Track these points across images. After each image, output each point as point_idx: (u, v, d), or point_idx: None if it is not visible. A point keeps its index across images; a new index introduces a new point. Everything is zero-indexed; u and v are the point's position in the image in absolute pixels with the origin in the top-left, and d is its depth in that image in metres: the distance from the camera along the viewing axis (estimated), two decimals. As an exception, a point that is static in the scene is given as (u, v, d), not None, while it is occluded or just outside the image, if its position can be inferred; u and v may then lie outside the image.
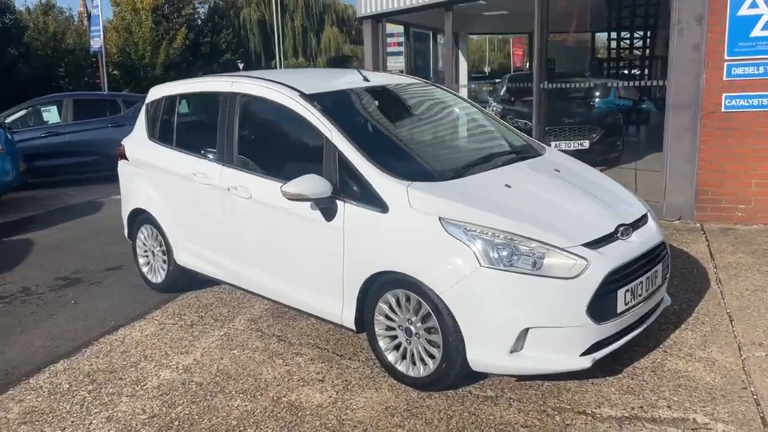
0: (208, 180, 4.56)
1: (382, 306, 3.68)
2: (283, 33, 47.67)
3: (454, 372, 3.44)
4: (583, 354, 3.32)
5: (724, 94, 6.46)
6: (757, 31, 6.25)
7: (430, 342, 3.51)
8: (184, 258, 5.02)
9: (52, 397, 3.78)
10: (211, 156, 4.62)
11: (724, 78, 6.44)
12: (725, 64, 6.41)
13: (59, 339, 4.62)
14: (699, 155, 6.65)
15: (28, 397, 3.80)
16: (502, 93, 13.05)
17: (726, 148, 6.54)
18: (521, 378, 3.65)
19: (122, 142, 5.62)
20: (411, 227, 3.49)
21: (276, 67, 45.73)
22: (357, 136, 3.91)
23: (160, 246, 5.26)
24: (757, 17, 6.22)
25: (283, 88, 4.23)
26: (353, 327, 3.88)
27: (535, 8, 7.99)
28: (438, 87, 5.03)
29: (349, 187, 3.75)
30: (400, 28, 22.89)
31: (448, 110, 4.74)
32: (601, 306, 3.29)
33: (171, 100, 5.15)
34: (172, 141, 5.07)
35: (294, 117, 4.11)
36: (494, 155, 4.22)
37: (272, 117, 4.34)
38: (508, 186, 3.74)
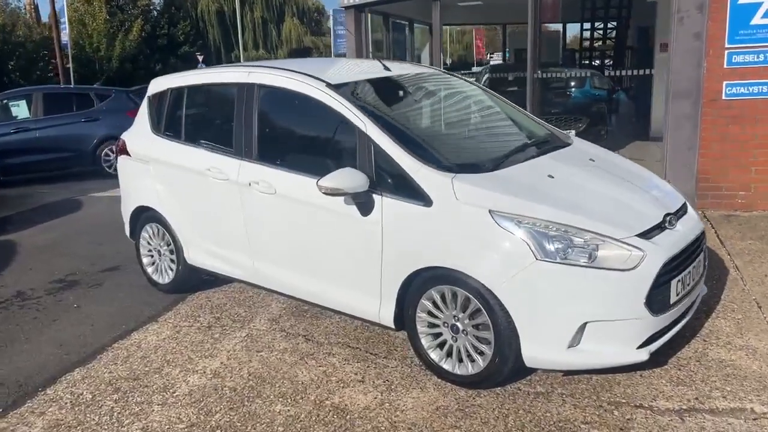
0: (224, 175, 4.36)
1: (425, 303, 3.56)
2: (243, 24, 46.86)
3: (506, 369, 3.35)
4: (640, 347, 3.26)
5: (724, 82, 6.50)
6: (757, 19, 6.29)
7: (478, 339, 3.40)
8: (196, 257, 4.81)
9: (77, 409, 3.55)
10: (227, 150, 4.41)
11: (725, 66, 6.48)
12: (726, 52, 6.44)
13: (69, 345, 4.38)
14: (700, 143, 6.69)
15: (50, 410, 3.57)
16: (483, 83, 13.01)
17: (727, 136, 6.59)
18: (568, 373, 3.57)
19: (122, 137, 5.34)
20: (458, 221, 3.37)
21: (237, 60, 45.04)
22: (391, 127, 3.77)
23: (168, 245, 5.03)
24: (758, 5, 6.26)
25: (308, 78, 4.05)
26: (391, 325, 3.75)
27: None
28: (455, 76, 4.90)
29: (387, 180, 3.61)
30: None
31: (472, 100, 4.62)
32: (656, 297, 3.23)
33: (178, 92, 4.91)
34: (180, 135, 4.83)
35: (322, 108, 3.94)
36: (526, 145, 4.13)
37: (297, 109, 4.15)
38: (551, 176, 3.65)
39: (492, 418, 3.23)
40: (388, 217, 3.59)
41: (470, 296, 3.34)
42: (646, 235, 3.30)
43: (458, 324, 3.46)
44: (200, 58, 36.34)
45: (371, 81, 4.25)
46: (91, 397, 3.67)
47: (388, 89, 4.29)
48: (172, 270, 5.07)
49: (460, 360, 3.51)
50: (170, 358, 4.09)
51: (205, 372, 3.88)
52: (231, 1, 47.00)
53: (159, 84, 5.11)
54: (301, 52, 49.30)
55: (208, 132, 4.74)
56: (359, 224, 3.69)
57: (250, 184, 4.20)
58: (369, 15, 11.07)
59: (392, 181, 3.59)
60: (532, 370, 3.58)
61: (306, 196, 3.92)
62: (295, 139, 4.32)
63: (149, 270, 5.28)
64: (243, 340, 4.28)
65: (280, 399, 3.53)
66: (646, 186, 3.86)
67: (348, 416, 3.33)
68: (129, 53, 33.09)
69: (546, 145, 4.17)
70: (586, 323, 3.15)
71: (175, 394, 3.65)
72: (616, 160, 4.26)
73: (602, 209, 3.41)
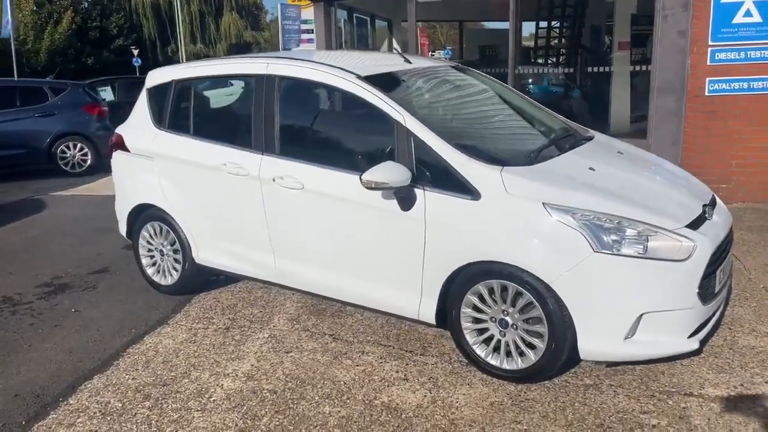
0: (243, 170, 4.19)
1: (470, 298, 3.51)
2: (180, 18, 45.63)
3: (559, 362, 3.34)
4: (690, 336, 3.30)
5: (707, 78, 6.72)
6: (739, 18, 6.52)
7: (529, 332, 3.38)
8: (207, 256, 4.62)
9: (109, 418, 3.34)
10: (245, 144, 4.24)
11: (708, 63, 6.70)
12: (709, 49, 6.66)
13: (79, 352, 4.12)
14: (684, 138, 6.89)
15: (79, 421, 3.34)
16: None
17: (709, 130, 6.81)
18: (610, 364, 3.59)
19: (117, 131, 5.06)
20: (510, 214, 3.33)
21: (177, 55, 43.87)
22: (430, 119, 3.70)
23: (172, 244, 4.81)
24: (740, 4, 6.49)
25: (336, 69, 3.93)
26: (432, 322, 3.68)
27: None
28: (470, 70, 4.87)
29: (429, 173, 3.53)
30: (311, 15, 22.52)
31: (493, 93, 4.59)
32: (705, 287, 3.29)
33: (184, 85, 4.68)
34: (188, 129, 4.62)
35: (353, 101, 3.84)
36: (556, 139, 4.13)
37: (325, 101, 4.02)
38: (592, 169, 3.66)
39: (550, 412, 3.22)
40: (431, 211, 3.52)
41: (522, 290, 3.31)
42: (693, 225, 3.35)
43: (507, 318, 3.43)
44: (135, 52, 35.22)
45: (398, 73, 4.16)
46: (120, 405, 3.46)
47: (414, 82, 4.21)
48: (176, 270, 4.85)
49: (508, 355, 3.48)
50: (195, 361, 3.91)
51: (237, 375, 3.72)
52: (166, -7, 45.78)
53: (160, 75, 4.87)
54: (241, 47, 48.51)
55: (221, 125, 4.55)
56: (399, 219, 3.61)
57: (274, 180, 4.05)
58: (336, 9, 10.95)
59: (435, 175, 3.52)
60: (576, 363, 3.59)
61: (338, 191, 3.81)
62: (324, 132, 4.19)
63: (149, 271, 5.04)
64: (267, 341, 4.13)
65: (327, 400, 3.42)
66: (677, 177, 3.93)
67: (403, 415, 3.24)
68: (58, 46, 31.73)
69: (572, 139, 4.19)
70: (642, 314, 3.17)
71: (212, 399, 3.48)
72: (640, 152, 4.33)
73: (648, 200, 3.44)
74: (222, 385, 3.62)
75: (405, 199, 3.57)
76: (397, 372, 3.68)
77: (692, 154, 6.86)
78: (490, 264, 3.40)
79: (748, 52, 6.55)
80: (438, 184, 3.51)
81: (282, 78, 4.13)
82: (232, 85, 5.24)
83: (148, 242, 4.98)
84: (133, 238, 5.07)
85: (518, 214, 3.32)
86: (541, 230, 3.26)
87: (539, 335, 3.34)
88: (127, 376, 3.77)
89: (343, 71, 3.91)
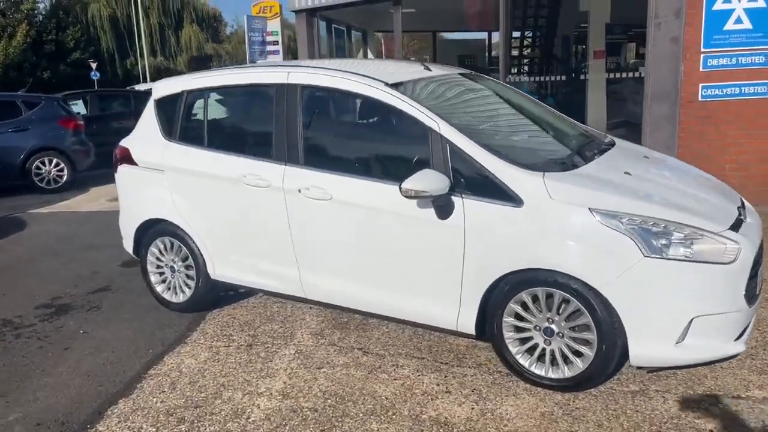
0: (265, 182, 4.07)
1: (513, 307, 3.45)
2: (138, 31, 44.87)
3: (609, 369, 3.30)
4: (736, 339, 3.30)
5: (700, 84, 6.84)
6: (730, 25, 6.66)
7: (576, 340, 3.34)
8: (223, 272, 4.47)
9: (146, 445, 3.18)
10: (266, 155, 4.12)
11: (701, 69, 6.81)
12: (701, 55, 6.78)
13: (97, 375, 3.93)
14: (678, 143, 6.99)
15: (113, 448, 3.17)
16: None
17: (703, 135, 6.92)
18: (652, 370, 3.57)
19: (123, 144, 4.88)
20: (556, 220, 3.29)
21: (136, 68, 43.15)
22: (465, 127, 3.64)
23: (184, 260, 4.65)
24: (730, 11, 6.63)
25: (363, 78, 3.85)
26: (472, 332, 3.61)
27: (500, 5, 8.05)
28: (483, 77, 4.84)
29: (467, 181, 3.47)
30: (277, 27, 22.42)
31: (514, 101, 4.57)
32: (750, 288, 3.29)
33: (196, 95, 4.53)
34: (202, 140, 4.47)
35: (382, 109, 3.77)
36: (583, 145, 4.11)
37: (352, 110, 3.94)
38: (628, 173, 3.65)
39: (604, 420, 3.17)
40: (470, 219, 3.45)
41: (569, 297, 3.27)
42: (735, 228, 3.35)
43: (553, 327, 3.38)
44: (93, 65, 34.51)
45: (423, 80, 4.09)
46: (155, 430, 3.30)
47: (440, 89, 4.15)
48: (189, 287, 4.68)
49: (553, 363, 3.43)
50: (223, 381, 3.76)
51: (271, 393, 3.59)
52: (125, 5, 45.03)
53: (168, 86, 4.72)
54: (203, 59, 48.02)
55: (238, 136, 4.42)
56: (437, 228, 3.53)
57: (299, 191, 3.94)
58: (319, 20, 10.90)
59: (473, 182, 3.46)
60: (618, 370, 3.55)
61: (370, 201, 3.72)
62: (351, 141, 4.09)
63: (158, 288, 4.85)
64: (295, 357, 4.00)
65: (372, 416, 3.31)
66: (706, 180, 3.96)
67: (455, 430, 3.16)
68: (13, 60, 30.93)
69: (597, 145, 4.18)
70: (693, 318, 3.15)
71: (250, 420, 3.34)
72: (665, 157, 4.35)
73: (689, 204, 3.43)
74: (258, 404, 3.48)
75: (443, 207, 3.50)
76: (437, 385, 3.59)
77: (686, 158, 6.90)
78: (535, 272, 3.34)
79: (740, 58, 6.69)
80: (477, 191, 3.45)
81: (305, 87, 4.03)
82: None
83: (158, 258, 4.80)
84: (141, 255, 4.88)
85: (564, 220, 3.28)
86: (588, 236, 3.22)
87: (587, 342, 3.30)
88: (154, 399, 3.60)
89: (370, 79, 3.83)
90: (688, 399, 3.32)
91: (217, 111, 4.60)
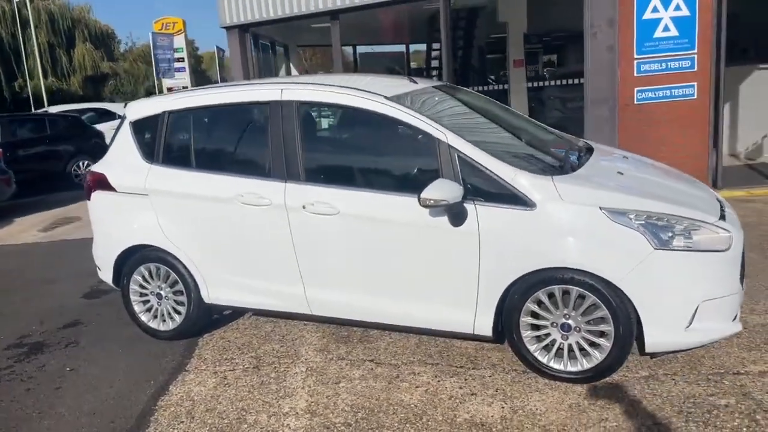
0: (265, 200, 4.03)
1: (530, 306, 3.60)
2: (26, 51, 42.54)
3: (626, 358, 3.50)
4: (733, 319, 3.59)
5: (635, 88, 7.33)
6: (659, 32, 7.19)
7: (592, 333, 3.52)
8: (219, 294, 4.37)
9: (186, 477, 3.08)
10: (262, 173, 4.09)
11: (635, 74, 7.31)
12: (635, 62, 7.28)
13: (104, 413, 3.74)
14: (618, 143, 7.44)
15: (150, 484, 3.05)
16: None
17: (641, 136, 7.41)
18: (654, 355, 3.80)
19: (96, 169, 4.67)
20: (568, 221, 3.46)
21: (26, 90, 40.83)
22: (469, 135, 3.77)
23: (172, 286, 4.51)
24: (658, 20, 7.16)
25: (361, 92, 3.91)
26: (489, 335, 3.73)
27: (441, 19, 8.31)
28: (461, 89, 5.00)
29: (478, 188, 3.59)
30: (182, 43, 21.93)
31: (499, 109, 4.75)
32: (741, 272, 3.59)
33: (179, 115, 4.43)
34: (189, 162, 4.37)
35: (383, 121, 3.83)
36: (570, 149, 4.33)
37: (351, 124, 3.98)
38: (620, 173, 3.89)
39: (629, 406, 3.36)
40: (484, 225, 3.58)
41: (585, 292, 3.45)
42: (723, 218, 3.65)
43: (570, 322, 3.55)
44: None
45: (416, 93, 4.20)
46: (189, 461, 3.20)
47: (431, 101, 4.26)
48: (179, 313, 4.55)
49: (571, 357, 3.60)
50: (242, 405, 3.69)
51: (297, 413, 3.55)
52: (9, 24, 42.56)
53: (145, 107, 4.58)
54: (99, 78, 46.10)
55: (229, 156, 4.35)
56: (451, 235, 3.63)
57: (304, 207, 3.94)
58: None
59: (484, 189, 3.58)
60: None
61: (379, 213, 3.78)
62: (354, 154, 4.12)
63: (143, 318, 4.67)
64: (308, 374, 3.98)
65: (408, 425, 3.35)
66: (684, 176, 4.26)
67: (493, 429, 3.26)
68: None
69: (580, 148, 4.41)
70: (700, 303, 3.41)
71: (286, 441, 3.30)
72: (641, 157, 4.64)
73: (682, 198, 3.71)
74: (288, 424, 3.45)
75: (457, 214, 3.60)
76: (460, 388, 3.68)
77: (628, 158, 7.42)
78: (551, 271, 3.50)
79: (669, 63, 7.23)
80: (488, 197, 3.58)
81: (301, 103, 4.04)
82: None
83: (141, 286, 4.63)
84: (122, 285, 4.68)
85: (576, 220, 3.46)
86: (601, 233, 3.42)
87: (603, 334, 3.49)
88: (175, 431, 3.49)
89: (369, 93, 3.90)
90: (697, 379, 3.57)
91: (203, 131, 4.50)
